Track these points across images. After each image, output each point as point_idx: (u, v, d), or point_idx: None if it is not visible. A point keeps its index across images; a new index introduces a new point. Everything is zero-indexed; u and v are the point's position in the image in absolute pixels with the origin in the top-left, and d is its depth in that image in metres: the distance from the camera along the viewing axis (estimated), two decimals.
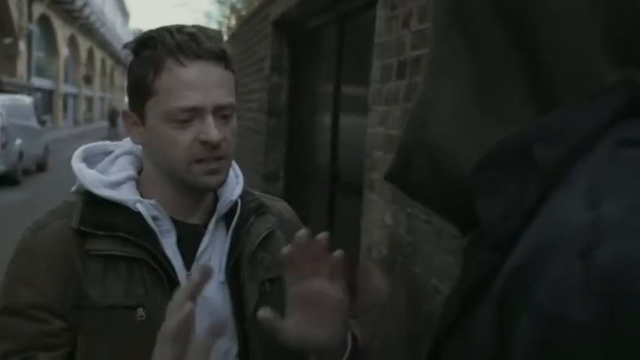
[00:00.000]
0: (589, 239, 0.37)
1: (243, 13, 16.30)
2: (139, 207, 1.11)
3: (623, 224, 0.36)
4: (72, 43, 36.90)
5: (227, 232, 1.17)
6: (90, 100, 45.56)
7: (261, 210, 1.23)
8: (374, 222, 2.96)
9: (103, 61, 50.68)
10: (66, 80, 35.62)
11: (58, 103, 33.07)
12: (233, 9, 20.44)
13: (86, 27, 38.11)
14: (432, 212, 2.18)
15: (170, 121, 1.07)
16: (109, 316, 1.07)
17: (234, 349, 1.14)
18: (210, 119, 1.08)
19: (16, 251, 1.13)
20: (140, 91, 1.10)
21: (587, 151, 0.44)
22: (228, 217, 1.18)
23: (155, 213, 1.12)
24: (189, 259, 1.13)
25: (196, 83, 1.07)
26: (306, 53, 5.62)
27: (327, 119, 4.75)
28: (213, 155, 1.09)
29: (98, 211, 1.11)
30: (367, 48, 3.59)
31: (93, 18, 38.79)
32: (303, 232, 0.98)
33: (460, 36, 0.57)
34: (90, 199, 1.12)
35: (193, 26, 1.12)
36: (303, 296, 0.98)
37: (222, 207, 1.18)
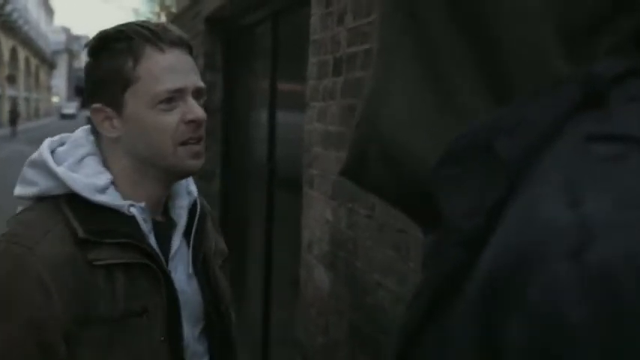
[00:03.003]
0: (579, 239, 0.36)
1: (173, 9, 15.99)
2: (133, 211, 1.13)
3: (609, 221, 0.36)
4: None
5: (184, 226, 1.24)
6: (14, 101, 43.81)
7: (204, 206, 1.32)
8: (314, 218, 2.96)
9: (27, 60, 48.83)
10: None
11: None
12: (162, 6, 20.03)
13: (8, 25, 36.65)
14: (375, 206, 2.18)
15: (156, 104, 1.12)
16: (118, 325, 1.08)
17: (199, 329, 1.24)
18: (192, 100, 1.15)
19: (8, 272, 1.06)
20: (117, 81, 1.13)
21: (548, 145, 0.44)
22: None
23: (144, 215, 1.15)
24: (165, 256, 1.18)
25: (177, 67, 1.14)
26: (240, 50, 5.57)
27: (263, 116, 4.73)
28: (197, 135, 1.17)
29: (93, 217, 1.10)
30: (302, 44, 3.58)
31: (15, 15, 37.35)
32: None
33: (407, 24, 0.56)
34: (76, 204, 1.10)
35: (155, 22, 1.21)
36: None
37: (192, 205, 1.27)
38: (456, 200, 0.47)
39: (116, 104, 1.14)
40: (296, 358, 3.14)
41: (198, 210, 1.27)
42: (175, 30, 1.18)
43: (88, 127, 1.23)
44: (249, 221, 4.71)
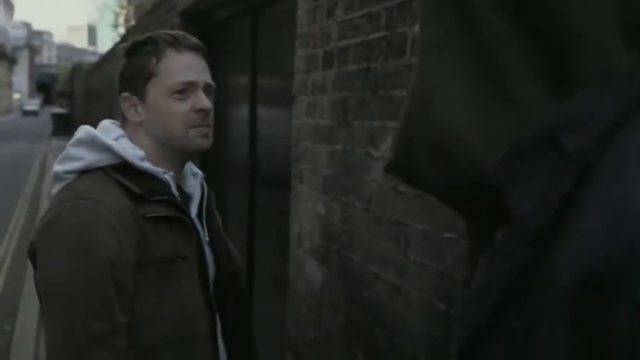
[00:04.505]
0: None
1: (138, 2, 15.75)
2: (167, 177, 1.36)
3: None
4: None
5: (199, 199, 1.48)
6: None
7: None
8: (304, 212, 2.95)
9: None
10: None
11: None
12: (131, 0, 19.75)
13: None
14: (372, 200, 2.17)
15: (171, 93, 1.36)
16: (169, 267, 1.30)
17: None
18: (202, 93, 1.39)
19: (83, 222, 1.23)
20: (143, 75, 1.38)
21: (616, 136, 0.43)
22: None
23: (173, 182, 1.38)
24: None
25: (191, 65, 1.39)
26: (217, 45, 5.52)
27: (243, 111, 4.70)
28: (205, 122, 1.40)
29: (139, 180, 1.31)
30: (284, 38, 3.56)
31: None
32: None
33: (454, 18, 0.55)
34: (122, 171, 1.31)
35: (177, 31, 1.46)
36: None
37: (201, 179, 1.50)
38: (523, 195, 0.46)
39: (140, 93, 1.39)
40: (286, 352, 3.13)
41: (206, 187, 1.52)
42: (193, 38, 1.44)
43: (109, 120, 1.47)
44: (229, 217, 4.68)
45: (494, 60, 0.53)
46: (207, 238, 1.45)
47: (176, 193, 1.37)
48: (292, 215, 3.11)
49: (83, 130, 1.37)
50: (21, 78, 76.01)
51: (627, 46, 0.50)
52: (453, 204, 0.63)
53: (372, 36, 2.34)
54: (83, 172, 1.32)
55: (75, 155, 1.33)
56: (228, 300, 1.49)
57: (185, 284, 1.32)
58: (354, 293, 2.47)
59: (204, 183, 1.52)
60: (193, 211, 1.44)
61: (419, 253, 2.01)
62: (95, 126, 1.46)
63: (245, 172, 4.57)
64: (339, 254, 2.59)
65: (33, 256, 1.28)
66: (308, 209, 2.92)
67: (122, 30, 19.60)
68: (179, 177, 1.44)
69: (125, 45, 1.44)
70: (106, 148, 1.32)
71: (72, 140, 1.37)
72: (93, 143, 1.33)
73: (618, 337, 0.39)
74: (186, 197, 1.45)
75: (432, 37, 0.59)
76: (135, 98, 1.39)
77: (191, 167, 1.51)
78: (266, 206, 4.33)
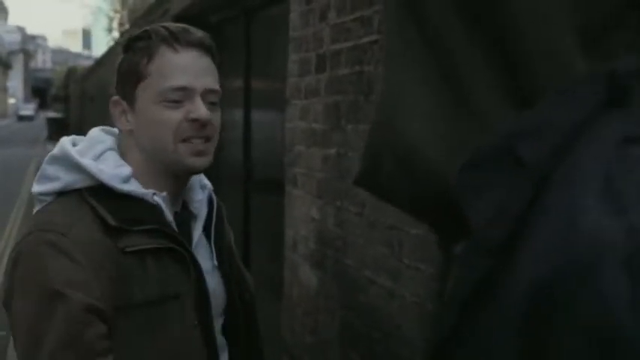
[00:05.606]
0: (629, 249, 0.36)
1: (132, 6, 15.73)
2: (157, 199, 1.15)
3: None
4: None
5: (204, 219, 1.26)
6: None
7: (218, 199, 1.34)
8: (299, 217, 2.95)
9: None
10: None
11: None
12: (124, 4, 19.72)
13: None
14: (365, 204, 2.17)
15: (161, 100, 1.14)
16: (155, 310, 1.11)
17: (220, 322, 1.28)
18: (199, 100, 1.15)
19: (43, 257, 1.06)
20: (132, 77, 1.16)
21: (575, 146, 0.43)
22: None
23: (166, 204, 1.17)
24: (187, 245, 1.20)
25: (188, 67, 1.15)
26: None
27: (237, 115, 4.69)
28: (201, 134, 1.15)
29: (119, 207, 1.11)
30: (278, 42, 3.56)
31: None
32: None
33: (417, 31, 0.55)
34: (101, 195, 1.12)
35: (178, 24, 1.21)
36: None
37: (209, 196, 1.29)
38: (481, 208, 0.46)
39: (130, 98, 1.17)
40: (283, 357, 3.12)
41: (215, 203, 1.30)
42: (196, 32, 1.19)
43: (101, 127, 1.25)
44: None
45: (455, 68, 0.53)
46: (215, 263, 1.25)
47: (169, 218, 1.16)
48: (287, 220, 3.10)
49: (59, 145, 1.17)
50: (16, 83, 75.91)
51: (584, 51, 0.49)
52: (419, 215, 0.63)
53: (365, 39, 2.34)
54: (61, 194, 1.14)
55: (50, 175, 1.15)
56: (239, 331, 1.32)
57: (176, 326, 1.13)
58: (349, 298, 2.46)
59: (214, 195, 1.31)
60: (198, 231, 1.24)
61: (413, 258, 2.00)
62: (89, 131, 1.26)
63: (240, 176, 4.56)
64: (334, 259, 2.59)
65: (4, 302, 1.12)
66: (302, 214, 2.91)
67: (116, 34, 19.60)
68: (178, 195, 1.23)
69: (122, 40, 1.31)
70: (81, 168, 1.12)
71: (47, 156, 1.17)
72: (66, 161, 1.14)
73: (556, 351, 0.39)
74: (190, 216, 1.26)
75: (396, 47, 0.59)
76: (124, 104, 1.18)
77: (200, 179, 1.30)
78: (261, 211, 4.32)
